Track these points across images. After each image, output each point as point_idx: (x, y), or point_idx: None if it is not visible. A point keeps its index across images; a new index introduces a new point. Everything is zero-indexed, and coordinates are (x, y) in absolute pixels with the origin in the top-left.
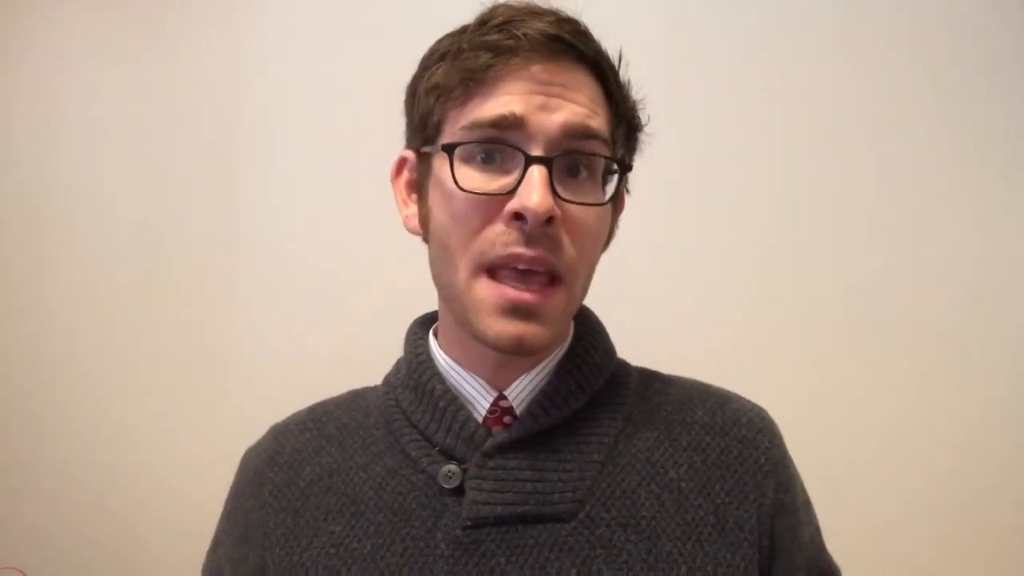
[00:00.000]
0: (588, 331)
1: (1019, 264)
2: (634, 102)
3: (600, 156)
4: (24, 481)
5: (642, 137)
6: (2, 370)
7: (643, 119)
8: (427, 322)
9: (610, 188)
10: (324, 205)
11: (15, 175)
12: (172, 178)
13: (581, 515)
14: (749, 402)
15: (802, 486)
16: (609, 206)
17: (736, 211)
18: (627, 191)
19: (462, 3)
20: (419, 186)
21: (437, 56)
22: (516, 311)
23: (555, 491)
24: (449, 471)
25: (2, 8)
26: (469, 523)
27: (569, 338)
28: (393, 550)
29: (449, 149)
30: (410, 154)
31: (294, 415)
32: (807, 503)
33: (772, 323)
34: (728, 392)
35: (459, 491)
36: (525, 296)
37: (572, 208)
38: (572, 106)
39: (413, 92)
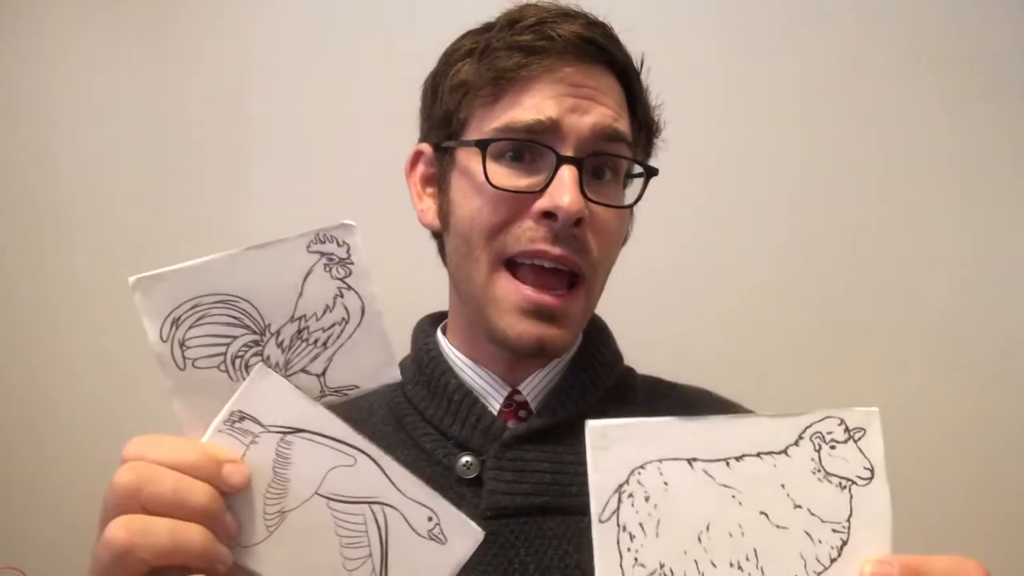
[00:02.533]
0: (597, 332)
1: None
2: (653, 107)
3: (627, 159)
4: (24, 481)
5: (657, 142)
6: (1, 370)
7: (660, 124)
8: (435, 320)
9: (629, 191)
10: (325, 206)
11: (14, 176)
12: (172, 181)
13: None
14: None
15: None
16: (629, 210)
17: (744, 216)
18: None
19: (465, 7)
20: (439, 180)
21: (463, 53)
22: (538, 313)
23: (574, 483)
24: (467, 462)
25: (1, 11)
26: (488, 513)
27: (580, 338)
28: None
29: (483, 145)
30: (427, 148)
31: None
32: None
33: (780, 328)
34: (730, 400)
35: (476, 482)
36: (546, 299)
37: (597, 209)
38: (601, 108)
39: (435, 87)
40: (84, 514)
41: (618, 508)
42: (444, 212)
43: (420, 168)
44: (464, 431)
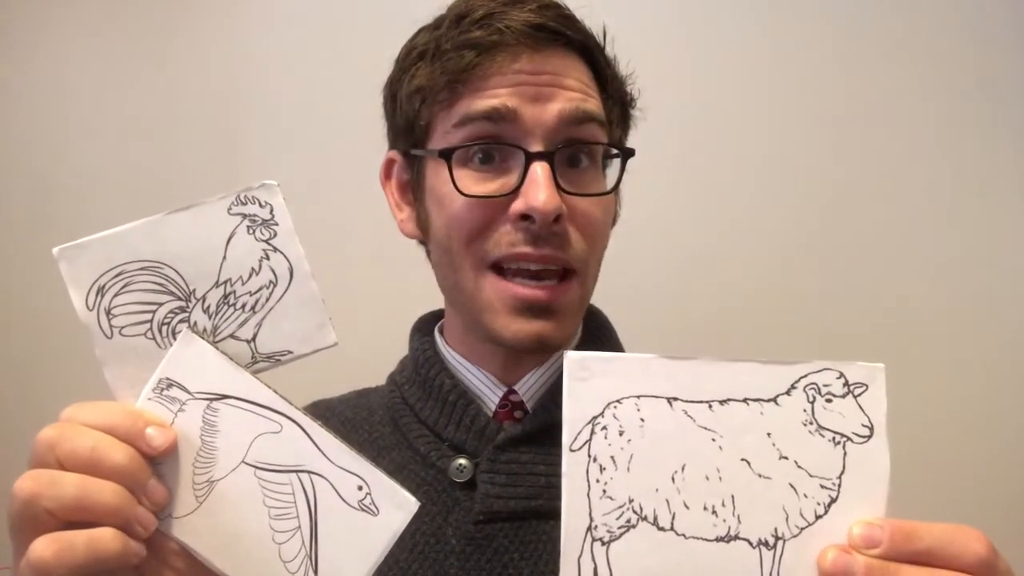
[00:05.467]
0: (597, 327)
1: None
2: (623, 79)
3: (600, 144)
4: None
5: (635, 114)
6: (2, 370)
7: (634, 94)
8: (432, 320)
9: (610, 172)
10: (324, 206)
11: (15, 178)
12: (173, 182)
13: None
14: None
15: None
16: (614, 193)
17: (745, 211)
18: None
19: None
20: (413, 188)
21: (416, 56)
22: (531, 309)
23: None
24: (460, 465)
25: (3, 8)
26: (481, 517)
27: (579, 334)
28: (402, 546)
29: (447, 155)
30: (397, 155)
31: None
32: None
33: (776, 323)
34: None
35: (470, 485)
36: (538, 294)
37: (577, 202)
38: (565, 93)
39: (393, 94)
40: None
41: (590, 439)
42: (423, 221)
43: (395, 176)
44: (459, 433)
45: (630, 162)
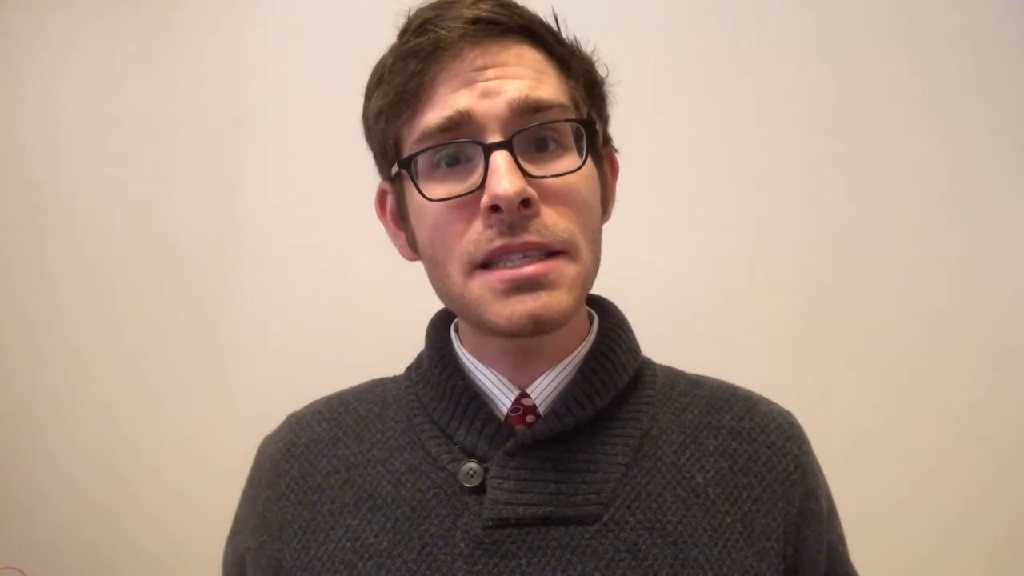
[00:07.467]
0: (612, 326)
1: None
2: (587, 57)
3: (559, 121)
4: (24, 481)
5: (609, 90)
6: (2, 370)
7: (602, 72)
8: (449, 316)
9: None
10: (325, 203)
11: (15, 176)
12: (172, 180)
13: (605, 518)
14: (777, 406)
15: (828, 494)
16: (593, 169)
17: (737, 210)
18: (615, 150)
19: None
20: (400, 211)
21: (375, 80)
22: (521, 287)
23: (579, 492)
24: (470, 469)
25: (2, 10)
26: (490, 523)
27: (593, 334)
28: (411, 547)
29: (405, 164)
30: (386, 185)
31: (311, 405)
32: (832, 511)
33: (773, 324)
34: (756, 395)
35: (480, 490)
36: (525, 269)
37: (551, 183)
38: (514, 82)
39: (365, 123)
40: (84, 514)
41: None
42: (413, 241)
43: (388, 206)
44: (470, 437)
45: (629, 157)
